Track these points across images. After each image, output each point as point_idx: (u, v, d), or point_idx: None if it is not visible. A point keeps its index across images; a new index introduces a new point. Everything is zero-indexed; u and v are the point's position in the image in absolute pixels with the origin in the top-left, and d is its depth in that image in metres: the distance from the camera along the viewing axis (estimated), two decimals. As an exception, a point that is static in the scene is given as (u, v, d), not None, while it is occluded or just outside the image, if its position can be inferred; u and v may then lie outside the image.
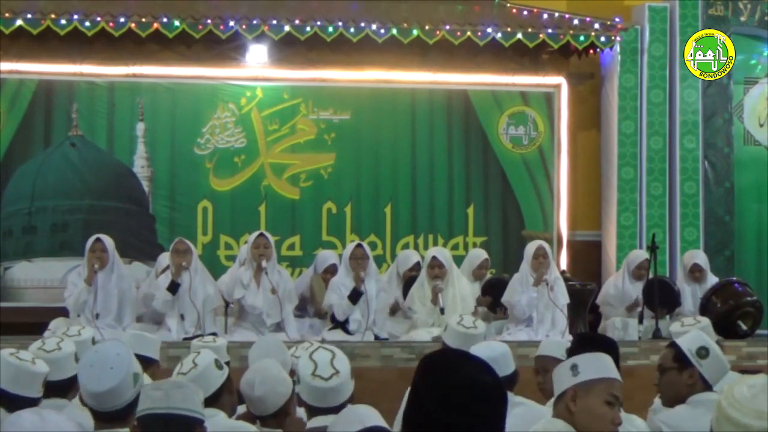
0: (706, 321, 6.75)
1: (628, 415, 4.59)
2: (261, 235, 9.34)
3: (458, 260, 10.23)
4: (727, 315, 9.66)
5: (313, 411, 4.09)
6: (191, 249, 9.27)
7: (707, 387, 4.65)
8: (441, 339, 5.84)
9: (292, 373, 5.07)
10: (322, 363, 4.11)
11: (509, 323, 9.56)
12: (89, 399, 3.91)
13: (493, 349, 5.00)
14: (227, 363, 4.91)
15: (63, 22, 10.70)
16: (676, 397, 4.68)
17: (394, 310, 9.79)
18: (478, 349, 4.86)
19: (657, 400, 5.53)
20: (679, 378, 4.66)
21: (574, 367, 3.62)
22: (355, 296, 9.19)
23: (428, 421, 2.42)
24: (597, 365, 3.64)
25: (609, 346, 4.59)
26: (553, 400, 3.73)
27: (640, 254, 10.48)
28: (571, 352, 4.55)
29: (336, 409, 3.98)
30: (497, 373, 2.53)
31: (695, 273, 10.35)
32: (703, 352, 4.63)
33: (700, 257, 10.51)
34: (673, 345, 4.78)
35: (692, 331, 4.96)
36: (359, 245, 9.45)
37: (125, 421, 3.85)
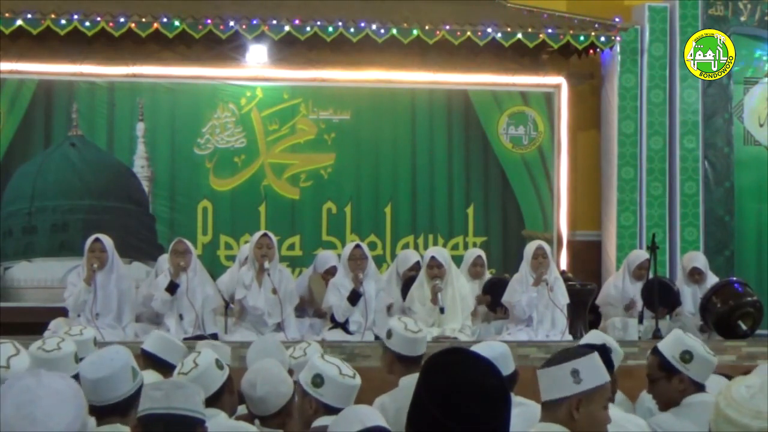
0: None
1: (629, 416, 4.60)
2: (264, 235, 9.33)
3: (458, 260, 10.23)
4: (727, 315, 9.66)
5: (330, 411, 4.15)
6: (190, 249, 9.26)
7: (699, 387, 4.64)
8: (387, 346, 5.69)
9: (291, 372, 5.07)
10: (340, 364, 4.29)
11: (509, 323, 9.57)
12: (88, 392, 3.92)
13: (493, 349, 5.00)
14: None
15: (63, 22, 10.70)
16: (670, 402, 4.68)
17: (389, 308, 9.80)
18: (478, 349, 4.86)
19: (643, 394, 5.53)
20: (669, 385, 4.65)
21: (575, 373, 3.55)
22: (354, 298, 9.19)
23: (431, 422, 2.41)
24: (597, 371, 3.59)
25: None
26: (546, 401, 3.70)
27: (641, 254, 10.47)
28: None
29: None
30: (502, 373, 2.52)
31: (695, 276, 10.34)
32: (687, 356, 4.60)
33: (699, 260, 10.48)
34: (656, 352, 4.73)
35: (672, 334, 4.90)
36: (357, 246, 9.44)
37: (124, 416, 3.87)
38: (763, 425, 2.50)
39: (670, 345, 4.70)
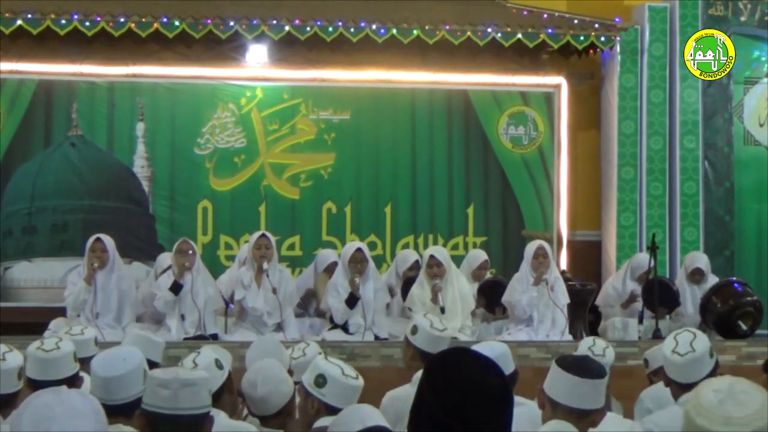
0: None
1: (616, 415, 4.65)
2: (263, 235, 9.33)
3: (458, 260, 10.23)
4: (727, 315, 9.66)
5: (332, 412, 4.16)
6: (194, 250, 9.25)
7: (683, 387, 4.62)
8: (410, 341, 5.70)
9: (291, 372, 5.08)
10: (343, 365, 4.30)
11: (509, 323, 9.56)
12: (98, 389, 3.93)
13: (493, 349, 5.01)
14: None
15: (63, 22, 10.70)
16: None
17: (388, 307, 9.80)
18: (478, 349, 4.87)
19: (643, 394, 5.54)
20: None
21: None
22: (352, 301, 9.17)
23: (433, 422, 2.41)
24: None
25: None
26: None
27: (645, 261, 10.15)
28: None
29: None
30: (504, 373, 2.52)
31: (696, 276, 10.31)
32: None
33: (702, 261, 10.42)
34: None
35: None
36: (359, 249, 9.40)
37: (129, 417, 3.87)
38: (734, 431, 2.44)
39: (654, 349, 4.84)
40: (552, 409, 3.80)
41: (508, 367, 4.94)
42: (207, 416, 3.42)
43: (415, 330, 5.61)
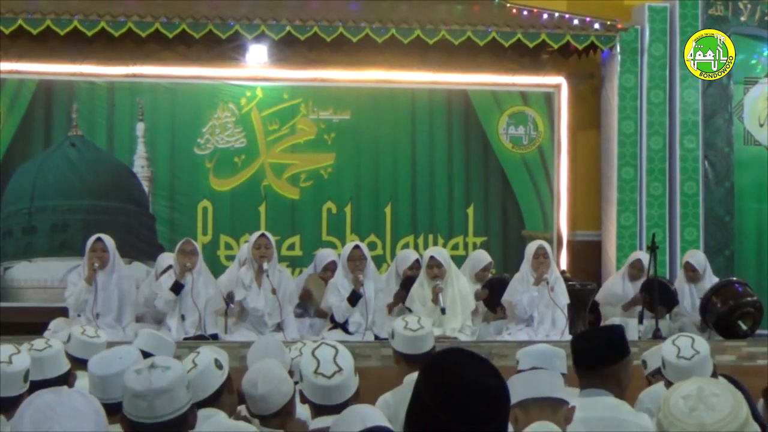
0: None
1: (623, 406, 4.64)
2: (262, 235, 9.33)
3: (458, 260, 10.23)
4: (727, 315, 9.67)
5: (318, 409, 4.16)
6: (197, 251, 9.24)
7: None
8: (391, 346, 5.72)
9: (291, 373, 5.08)
10: (324, 360, 4.20)
11: (509, 323, 9.56)
12: (95, 389, 3.94)
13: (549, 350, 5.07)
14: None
15: (63, 22, 10.70)
16: None
17: (393, 306, 9.78)
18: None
19: (642, 395, 5.54)
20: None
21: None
22: (354, 299, 9.18)
23: (430, 421, 2.41)
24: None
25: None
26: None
27: (635, 254, 10.58)
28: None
29: (341, 407, 4.01)
30: (501, 374, 2.52)
31: (689, 272, 10.34)
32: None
33: (694, 257, 10.48)
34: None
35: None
36: (357, 246, 9.43)
37: None
38: None
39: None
40: (525, 415, 3.76)
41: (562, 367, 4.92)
42: (188, 413, 3.44)
43: (392, 334, 5.65)
